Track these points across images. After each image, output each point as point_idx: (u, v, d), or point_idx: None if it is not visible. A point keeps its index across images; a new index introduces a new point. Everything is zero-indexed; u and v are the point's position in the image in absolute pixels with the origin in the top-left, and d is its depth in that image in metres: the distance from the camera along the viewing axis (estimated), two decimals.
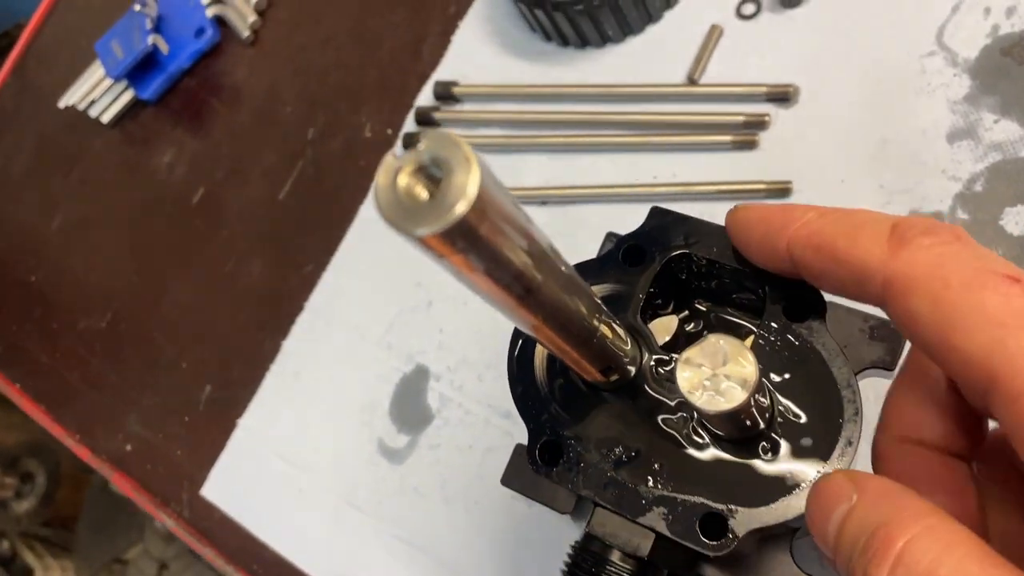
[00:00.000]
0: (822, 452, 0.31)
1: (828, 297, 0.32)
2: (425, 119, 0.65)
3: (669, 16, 0.60)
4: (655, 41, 0.60)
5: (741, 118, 0.55)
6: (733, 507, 0.30)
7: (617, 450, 0.33)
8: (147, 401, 0.69)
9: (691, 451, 0.32)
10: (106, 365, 0.72)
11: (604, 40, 0.61)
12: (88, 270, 0.77)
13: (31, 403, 0.74)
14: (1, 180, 0.86)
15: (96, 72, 0.82)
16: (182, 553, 1.50)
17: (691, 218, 0.35)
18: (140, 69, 0.78)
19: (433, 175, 0.18)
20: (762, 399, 0.31)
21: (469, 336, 0.58)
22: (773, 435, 0.31)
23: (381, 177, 0.18)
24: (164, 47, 0.77)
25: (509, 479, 0.40)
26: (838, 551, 0.24)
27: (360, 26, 0.72)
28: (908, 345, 0.32)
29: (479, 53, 0.65)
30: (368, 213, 0.65)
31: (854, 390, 0.31)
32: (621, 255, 0.35)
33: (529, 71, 0.63)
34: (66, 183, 0.82)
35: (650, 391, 0.33)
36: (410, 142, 0.64)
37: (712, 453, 0.32)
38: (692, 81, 0.57)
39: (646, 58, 0.59)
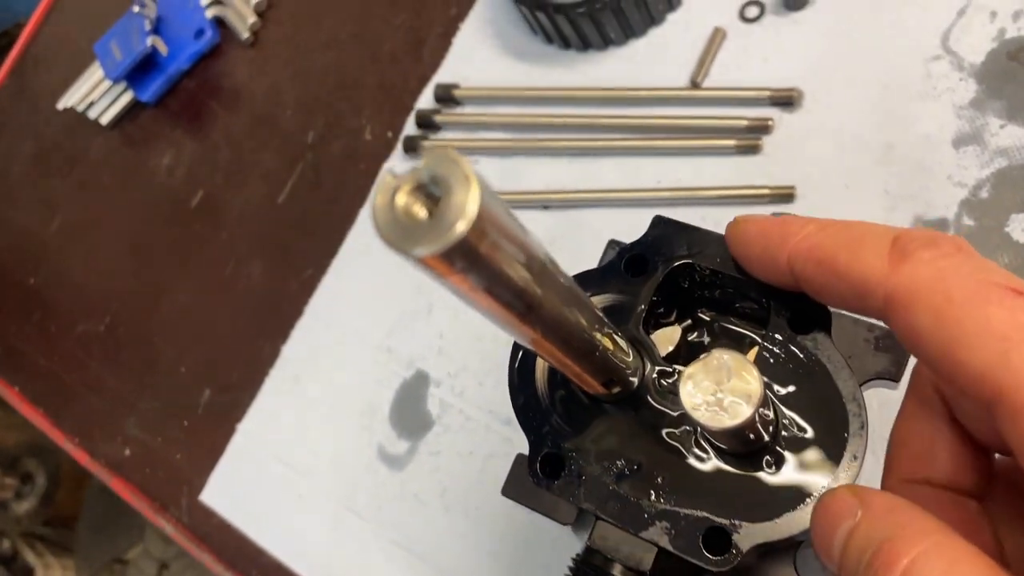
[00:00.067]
0: (827, 466, 0.30)
1: (833, 308, 0.31)
2: (426, 122, 0.64)
3: (672, 18, 0.59)
4: (657, 44, 0.59)
5: (744, 122, 0.54)
6: (737, 522, 0.30)
7: (619, 463, 0.32)
8: (146, 405, 0.69)
9: (694, 464, 0.32)
10: (105, 368, 0.72)
11: (606, 43, 0.60)
12: (87, 273, 0.77)
13: (30, 406, 0.74)
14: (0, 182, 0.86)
15: (95, 73, 0.81)
16: (182, 553, 1.50)
17: (694, 227, 0.34)
18: (139, 70, 0.77)
19: (432, 193, 0.18)
20: (766, 412, 0.30)
21: (470, 342, 0.58)
22: (778, 448, 0.31)
23: (379, 197, 0.18)
24: (163, 48, 0.76)
25: (510, 490, 0.40)
26: (843, 567, 0.24)
27: (361, 28, 0.72)
28: (910, 368, 0.32)
29: (480, 55, 0.65)
30: (368, 216, 0.65)
31: (859, 403, 0.31)
32: (623, 265, 0.34)
33: (530, 74, 0.63)
34: (65, 185, 0.81)
35: (653, 403, 0.33)
36: (410, 145, 0.64)
37: (715, 466, 0.31)
38: (695, 84, 0.57)
39: (648, 61, 0.59)
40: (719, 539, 0.30)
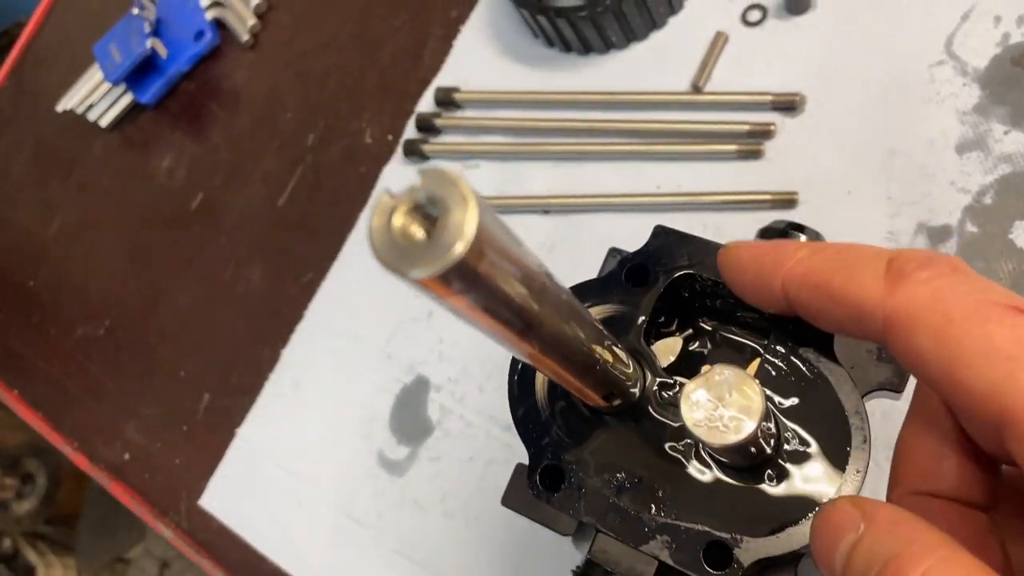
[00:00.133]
0: (830, 479, 0.30)
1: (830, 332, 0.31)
2: (426, 125, 0.64)
3: (673, 22, 0.59)
4: (659, 48, 0.59)
5: (746, 127, 0.54)
6: (738, 536, 0.30)
7: (619, 476, 0.32)
8: (145, 409, 0.68)
9: (695, 477, 0.31)
10: (104, 372, 0.71)
11: (607, 46, 0.60)
12: (87, 275, 0.76)
13: (29, 410, 0.74)
14: None
15: (94, 75, 0.81)
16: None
17: (695, 237, 0.34)
18: (139, 72, 0.77)
19: (429, 214, 0.18)
20: (768, 425, 0.30)
21: (470, 347, 0.57)
22: (780, 461, 0.31)
23: (375, 218, 0.17)
24: (163, 51, 0.76)
25: (509, 499, 0.39)
26: None
27: (361, 30, 0.71)
28: (913, 379, 0.31)
29: (481, 58, 0.64)
30: (368, 218, 0.64)
31: (862, 416, 0.30)
32: (624, 275, 0.34)
33: (531, 77, 0.62)
34: (64, 187, 0.81)
35: (654, 415, 0.32)
36: (411, 149, 0.64)
37: (717, 479, 0.31)
38: (697, 89, 0.57)
39: (650, 65, 0.59)
40: (720, 553, 0.30)
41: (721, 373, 0.26)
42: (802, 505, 0.30)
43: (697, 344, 0.36)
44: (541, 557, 0.50)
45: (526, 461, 0.34)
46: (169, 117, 0.78)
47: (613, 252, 0.41)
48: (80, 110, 0.81)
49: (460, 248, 0.17)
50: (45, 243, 0.80)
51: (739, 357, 0.35)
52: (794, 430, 0.31)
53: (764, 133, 0.54)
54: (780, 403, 0.32)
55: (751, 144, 0.54)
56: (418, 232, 0.18)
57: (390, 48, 0.69)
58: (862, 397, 0.32)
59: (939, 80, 0.50)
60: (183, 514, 0.63)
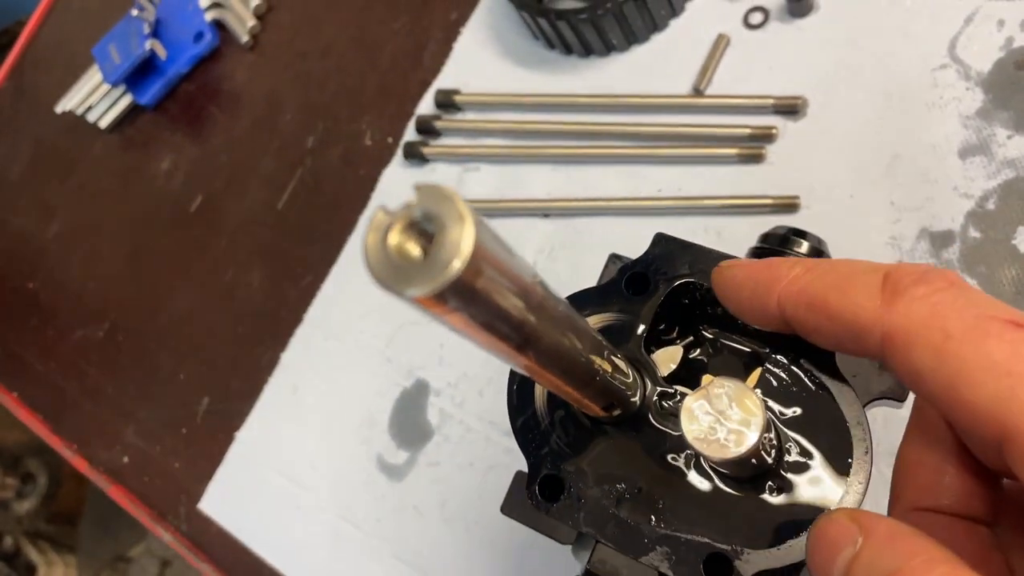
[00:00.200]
0: (832, 491, 0.30)
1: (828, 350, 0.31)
2: (426, 128, 0.64)
3: (675, 25, 0.59)
4: (660, 50, 0.58)
5: (748, 131, 0.54)
6: (739, 547, 0.30)
7: (619, 486, 0.32)
8: (144, 413, 0.68)
9: (695, 488, 0.31)
10: (103, 375, 0.71)
11: (608, 49, 0.60)
12: (86, 278, 0.76)
13: (28, 412, 0.73)
14: None
15: (94, 77, 0.81)
16: None
17: (695, 245, 0.34)
18: (138, 74, 0.77)
19: (425, 231, 0.18)
20: (769, 436, 0.30)
21: (470, 351, 0.57)
22: (781, 472, 0.30)
23: (370, 236, 0.17)
24: (162, 52, 0.76)
25: (509, 507, 0.39)
26: None
27: (361, 32, 0.71)
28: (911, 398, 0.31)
29: (481, 60, 0.64)
30: (368, 219, 0.64)
31: (864, 427, 0.30)
32: (624, 283, 0.34)
33: (531, 79, 0.62)
34: (63, 189, 0.81)
35: (654, 424, 0.32)
36: (411, 151, 0.63)
37: (717, 490, 0.31)
38: (698, 92, 0.56)
39: (651, 68, 0.58)
40: (720, 565, 0.30)
41: (721, 386, 0.26)
42: (804, 516, 0.29)
43: (698, 352, 0.36)
44: (541, 565, 0.50)
45: (526, 468, 0.33)
46: (168, 119, 0.78)
47: (613, 258, 0.40)
48: (79, 111, 0.81)
49: (458, 266, 0.17)
50: (44, 245, 0.80)
51: (740, 365, 0.35)
52: (796, 440, 0.31)
53: (766, 137, 0.53)
54: (781, 413, 0.31)
55: (752, 148, 0.53)
56: (414, 250, 0.17)
57: (390, 50, 0.69)
58: (864, 406, 0.31)
59: (942, 84, 0.50)
60: (182, 518, 0.63)
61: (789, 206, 0.51)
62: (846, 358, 0.33)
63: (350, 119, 0.68)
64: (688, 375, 0.35)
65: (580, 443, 0.33)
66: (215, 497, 0.63)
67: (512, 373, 0.34)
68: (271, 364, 0.64)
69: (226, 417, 0.64)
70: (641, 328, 0.33)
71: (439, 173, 0.63)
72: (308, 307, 0.64)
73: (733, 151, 0.54)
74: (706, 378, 0.33)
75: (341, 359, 0.61)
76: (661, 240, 0.34)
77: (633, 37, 0.59)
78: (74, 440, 0.70)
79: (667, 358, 0.35)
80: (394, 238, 0.17)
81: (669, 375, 0.34)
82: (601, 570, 0.32)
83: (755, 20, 0.56)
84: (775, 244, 0.38)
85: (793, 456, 0.31)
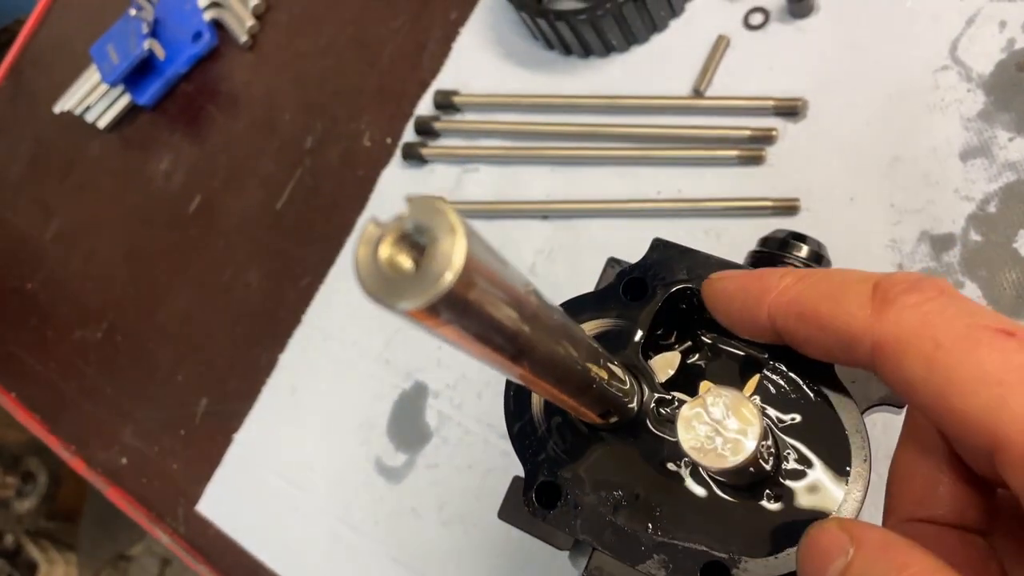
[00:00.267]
0: (830, 499, 0.29)
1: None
2: (425, 128, 0.63)
3: (674, 25, 0.58)
4: (660, 51, 0.58)
5: (747, 132, 0.53)
6: (737, 555, 0.29)
7: (616, 493, 0.31)
8: (143, 413, 0.68)
9: (693, 495, 0.31)
10: (102, 376, 0.71)
11: (608, 50, 0.59)
12: (84, 278, 0.76)
13: (26, 413, 0.73)
14: None
15: (92, 77, 0.80)
16: None
17: (693, 250, 0.34)
18: (136, 74, 0.77)
19: (417, 243, 0.17)
20: (767, 444, 0.30)
21: None
22: (780, 479, 0.30)
23: (361, 249, 0.17)
24: (160, 52, 0.76)
25: (506, 513, 0.39)
26: None
27: (360, 32, 0.71)
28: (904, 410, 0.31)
29: (480, 61, 0.64)
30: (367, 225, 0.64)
31: (863, 435, 0.30)
32: (622, 288, 0.34)
33: (530, 80, 0.62)
34: (62, 189, 0.81)
35: (652, 430, 0.32)
36: (409, 152, 0.63)
37: (715, 498, 0.31)
38: (698, 93, 0.56)
39: (650, 69, 0.58)
40: (718, 574, 0.29)
41: (718, 395, 0.26)
42: (802, 524, 0.29)
43: (696, 357, 0.36)
44: (539, 568, 0.50)
45: (523, 475, 0.33)
46: (167, 119, 0.78)
47: (612, 262, 0.40)
48: (78, 111, 0.81)
49: (450, 278, 0.17)
50: (43, 245, 0.79)
51: (738, 370, 0.35)
52: (794, 447, 0.31)
53: (766, 138, 0.53)
54: (780, 419, 0.31)
55: (752, 149, 0.53)
56: (406, 262, 0.17)
57: (389, 50, 0.69)
58: (863, 412, 0.31)
59: (943, 86, 0.49)
60: (180, 519, 0.63)
61: (789, 208, 0.51)
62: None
63: (349, 119, 0.68)
64: (686, 381, 0.34)
65: (577, 450, 0.32)
66: (213, 499, 0.62)
67: (508, 380, 0.34)
68: (269, 365, 0.63)
69: (224, 418, 0.64)
70: (639, 334, 0.33)
71: (438, 174, 0.62)
72: (307, 308, 0.64)
73: (733, 153, 0.53)
74: (704, 386, 0.33)
75: (340, 360, 0.61)
76: (659, 245, 0.34)
77: (632, 38, 0.58)
78: (72, 441, 0.70)
79: (665, 364, 0.35)
80: (385, 251, 0.17)
81: (667, 381, 0.34)
82: None
83: (755, 21, 0.56)
84: (775, 248, 0.38)
85: (791, 463, 0.30)
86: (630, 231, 0.55)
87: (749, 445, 0.26)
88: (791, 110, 0.53)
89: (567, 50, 0.60)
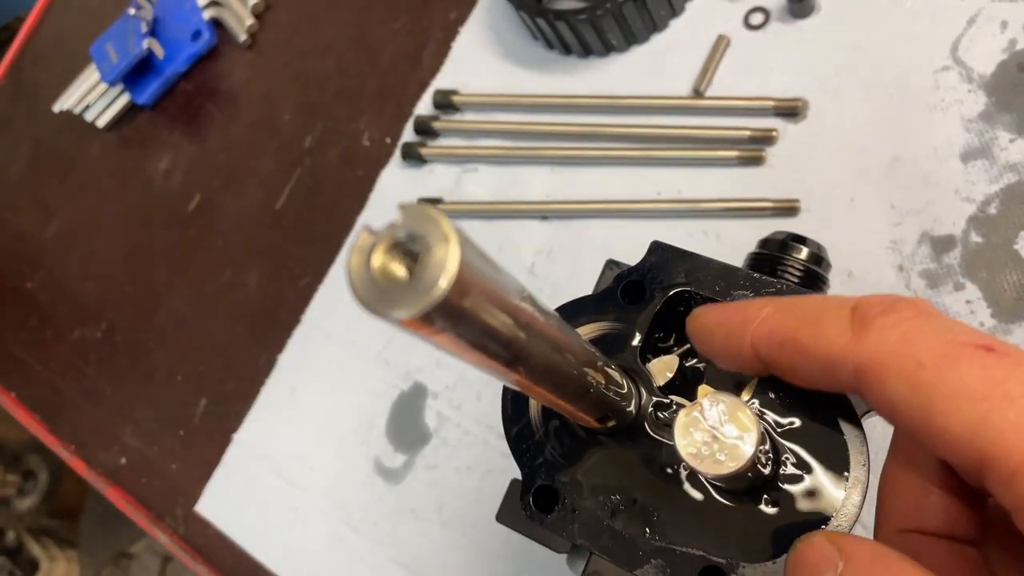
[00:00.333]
0: (828, 504, 0.29)
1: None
2: (424, 128, 0.63)
3: (675, 25, 0.58)
4: (660, 51, 0.58)
5: (747, 133, 0.53)
6: (735, 560, 0.29)
7: (614, 498, 0.31)
8: (142, 413, 0.68)
9: (691, 500, 0.31)
10: (101, 375, 0.71)
11: (608, 49, 0.59)
12: (84, 278, 0.76)
13: (26, 413, 0.73)
14: None
15: (91, 76, 0.80)
16: None
17: (692, 254, 0.33)
18: (136, 73, 0.77)
19: (410, 251, 0.17)
20: (765, 448, 0.29)
21: None
22: (778, 484, 0.30)
23: (354, 257, 0.17)
24: (159, 51, 0.75)
25: (504, 516, 0.39)
26: None
27: (360, 31, 0.70)
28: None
29: (480, 61, 0.64)
30: (367, 224, 0.64)
31: (862, 439, 0.30)
32: (620, 292, 0.34)
33: (530, 80, 0.61)
34: (62, 188, 0.81)
35: (650, 434, 0.32)
36: (409, 152, 0.63)
37: (713, 502, 0.31)
38: (698, 93, 0.56)
39: (650, 69, 0.58)
40: None
41: (715, 401, 0.26)
42: (800, 529, 0.29)
43: (695, 360, 0.36)
44: (539, 569, 0.50)
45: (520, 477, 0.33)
46: (166, 118, 0.78)
47: (610, 264, 0.40)
48: (77, 110, 0.81)
49: (444, 286, 0.17)
50: (43, 244, 0.79)
51: (737, 374, 0.35)
52: (793, 451, 0.31)
53: (766, 139, 0.53)
54: (778, 423, 0.31)
55: (752, 150, 0.53)
56: (399, 270, 0.17)
57: (389, 50, 0.68)
58: (862, 416, 0.31)
59: (944, 86, 0.49)
60: (180, 519, 0.63)
61: (789, 209, 0.51)
62: None
63: (348, 119, 0.68)
64: (685, 384, 0.34)
65: (575, 454, 0.32)
66: (212, 499, 0.62)
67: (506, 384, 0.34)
68: (268, 365, 0.63)
69: (223, 418, 0.64)
70: (637, 338, 0.33)
71: (437, 174, 0.62)
72: (306, 308, 0.64)
73: (733, 153, 0.53)
74: (702, 390, 0.32)
75: (339, 361, 0.61)
76: (657, 248, 0.34)
77: (632, 37, 0.58)
78: (72, 441, 0.70)
79: (663, 367, 0.34)
80: (378, 259, 0.17)
81: (665, 384, 0.34)
82: None
83: (756, 21, 0.56)
84: (774, 250, 0.37)
85: (790, 468, 0.30)
86: (630, 231, 0.55)
87: (746, 451, 0.25)
88: (791, 110, 0.53)
89: (567, 50, 0.60)
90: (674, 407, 0.32)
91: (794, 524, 0.29)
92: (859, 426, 0.30)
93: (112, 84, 0.77)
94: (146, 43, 0.74)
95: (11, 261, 0.80)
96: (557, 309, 0.34)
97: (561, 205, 0.57)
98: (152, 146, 0.77)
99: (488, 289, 0.18)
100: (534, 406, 0.33)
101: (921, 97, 0.50)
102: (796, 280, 0.36)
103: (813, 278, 0.36)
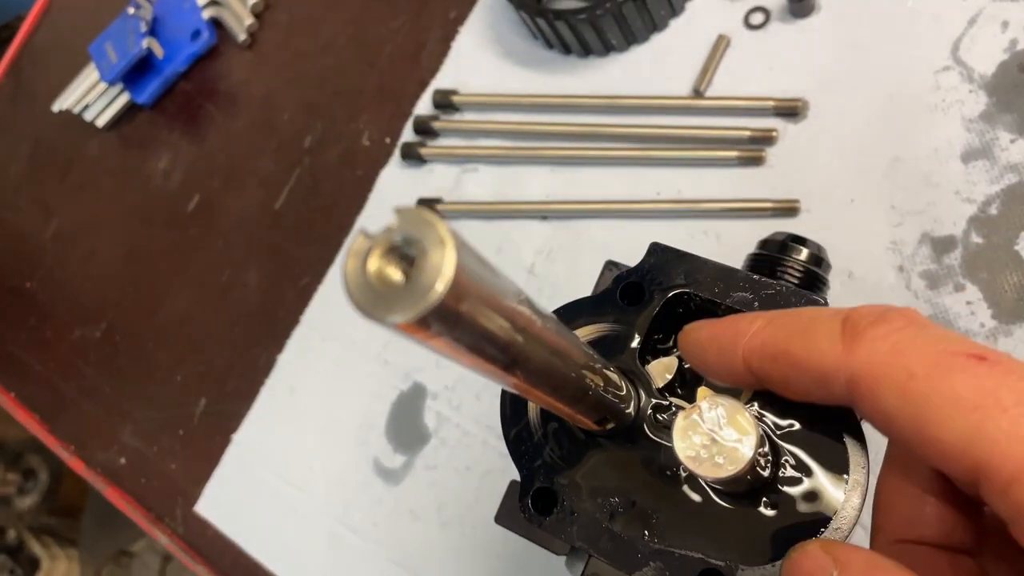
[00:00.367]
0: (828, 507, 0.29)
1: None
2: (424, 128, 0.63)
3: (675, 25, 0.58)
4: (660, 51, 0.58)
5: (747, 133, 0.53)
6: (734, 563, 0.29)
7: (613, 500, 0.31)
8: (141, 413, 0.68)
9: (690, 502, 0.31)
10: (101, 376, 0.71)
11: (607, 49, 0.59)
12: (83, 278, 0.76)
13: (25, 412, 0.73)
14: None
15: (91, 75, 0.80)
16: None
17: (691, 255, 0.33)
18: (135, 72, 0.76)
19: (407, 255, 0.17)
20: (764, 451, 0.29)
21: None
22: (778, 486, 0.30)
23: (349, 261, 0.17)
24: (159, 50, 0.75)
25: (503, 518, 0.39)
26: None
27: (359, 31, 0.70)
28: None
29: (479, 60, 0.63)
30: (366, 224, 0.64)
31: (862, 442, 0.30)
32: (619, 293, 0.33)
33: (530, 80, 0.61)
34: (62, 188, 0.81)
35: (649, 436, 0.32)
36: (408, 152, 0.63)
37: (712, 504, 0.30)
38: (698, 93, 0.56)
39: (650, 68, 0.58)
40: None
41: (714, 404, 0.26)
42: (800, 532, 0.29)
43: None
44: (538, 570, 0.50)
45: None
46: (166, 118, 0.77)
47: (609, 265, 0.40)
48: (76, 110, 0.81)
49: (440, 290, 0.17)
50: (43, 244, 0.79)
51: None
52: (793, 453, 0.30)
53: (766, 139, 0.53)
54: (778, 425, 0.31)
55: (752, 150, 0.53)
56: (395, 275, 0.17)
57: (388, 49, 0.68)
58: (861, 419, 0.31)
59: (945, 87, 0.49)
60: (179, 520, 0.63)
61: (789, 209, 0.51)
62: None
63: (348, 119, 0.68)
64: (684, 386, 0.34)
65: (574, 456, 0.32)
66: (211, 499, 0.62)
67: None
68: (268, 365, 0.63)
69: (223, 419, 0.64)
70: (636, 339, 0.33)
71: (437, 174, 0.62)
72: (305, 308, 0.64)
73: (733, 153, 0.53)
74: (701, 392, 0.32)
75: (338, 361, 0.61)
76: (656, 249, 0.34)
77: (632, 37, 0.58)
78: (71, 441, 0.70)
79: (663, 369, 0.34)
80: (374, 263, 0.17)
81: (664, 386, 0.33)
82: None
83: (756, 20, 0.56)
84: (774, 251, 0.37)
85: (789, 471, 0.30)
86: (629, 232, 0.55)
87: (745, 454, 0.25)
88: (791, 110, 0.52)
89: (567, 50, 0.60)
90: (673, 409, 0.32)
91: (793, 526, 0.29)
92: (859, 428, 0.30)
93: (111, 84, 0.77)
94: (145, 43, 0.74)
95: (11, 261, 0.80)
96: (556, 311, 0.34)
97: (561, 205, 0.57)
98: (152, 146, 0.77)
99: (485, 293, 0.18)
100: (533, 408, 0.33)
101: (922, 97, 0.50)
102: (796, 281, 0.36)
103: (813, 279, 0.36)
